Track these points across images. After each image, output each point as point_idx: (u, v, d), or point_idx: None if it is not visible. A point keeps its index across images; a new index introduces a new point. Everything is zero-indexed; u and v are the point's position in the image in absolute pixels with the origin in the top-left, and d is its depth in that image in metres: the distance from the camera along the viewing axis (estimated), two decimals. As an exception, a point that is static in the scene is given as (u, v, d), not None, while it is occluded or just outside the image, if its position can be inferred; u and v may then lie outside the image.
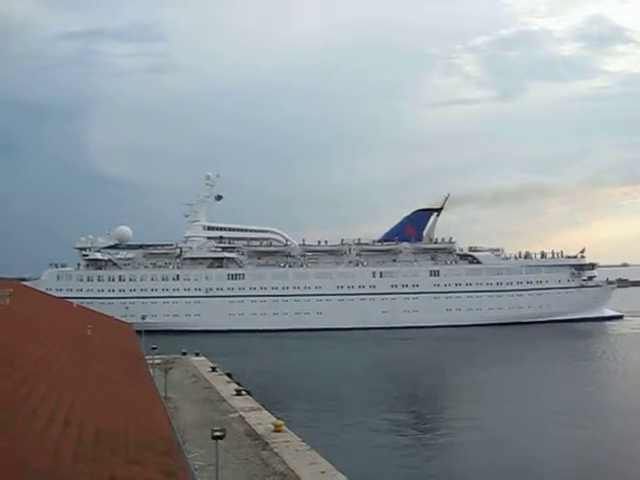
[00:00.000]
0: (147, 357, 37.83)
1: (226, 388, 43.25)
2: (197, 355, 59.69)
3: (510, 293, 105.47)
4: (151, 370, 35.50)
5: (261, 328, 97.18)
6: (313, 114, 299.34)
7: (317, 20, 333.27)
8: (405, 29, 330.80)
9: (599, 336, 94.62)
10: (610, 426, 40.87)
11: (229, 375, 49.05)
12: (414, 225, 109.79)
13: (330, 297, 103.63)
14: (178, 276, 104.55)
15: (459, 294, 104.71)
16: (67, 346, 25.41)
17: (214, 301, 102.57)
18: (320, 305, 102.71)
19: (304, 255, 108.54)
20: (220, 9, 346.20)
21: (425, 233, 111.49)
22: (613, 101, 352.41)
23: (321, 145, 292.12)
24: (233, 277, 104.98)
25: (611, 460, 33.47)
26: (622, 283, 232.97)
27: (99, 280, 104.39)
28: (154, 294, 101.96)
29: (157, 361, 41.62)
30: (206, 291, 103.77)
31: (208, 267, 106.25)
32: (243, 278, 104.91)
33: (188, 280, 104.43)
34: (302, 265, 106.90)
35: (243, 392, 41.04)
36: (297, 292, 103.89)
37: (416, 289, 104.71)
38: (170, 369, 41.45)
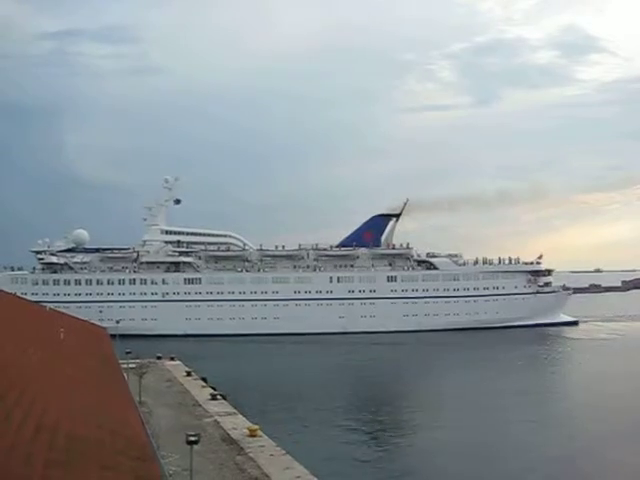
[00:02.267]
0: (121, 361, 37.28)
1: (201, 392, 43.11)
2: (172, 359, 59.09)
3: (466, 299, 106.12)
4: (125, 374, 35.20)
5: (218, 333, 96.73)
6: (292, 119, 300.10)
7: (298, 26, 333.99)
8: (383, 36, 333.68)
9: (554, 342, 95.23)
10: (548, 430, 41.40)
11: (204, 380, 48.75)
12: (372, 231, 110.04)
13: (287, 302, 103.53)
14: (134, 280, 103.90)
15: (416, 300, 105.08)
16: (39, 350, 25.04)
17: (170, 305, 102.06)
18: (277, 310, 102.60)
19: (262, 260, 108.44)
20: (201, 12, 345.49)
21: (383, 239, 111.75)
22: (587, 109, 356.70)
23: (298, 150, 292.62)
24: (190, 281, 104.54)
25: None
26: (595, 289, 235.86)
27: (54, 284, 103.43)
28: (110, 298, 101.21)
29: (132, 365, 41.41)
30: (162, 295, 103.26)
31: (165, 271, 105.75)
32: (200, 283, 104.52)
33: (144, 284, 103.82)
34: (259, 270, 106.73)
35: (218, 396, 41.00)
36: (254, 297, 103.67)
37: (373, 294, 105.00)
38: (145, 373, 41.18)
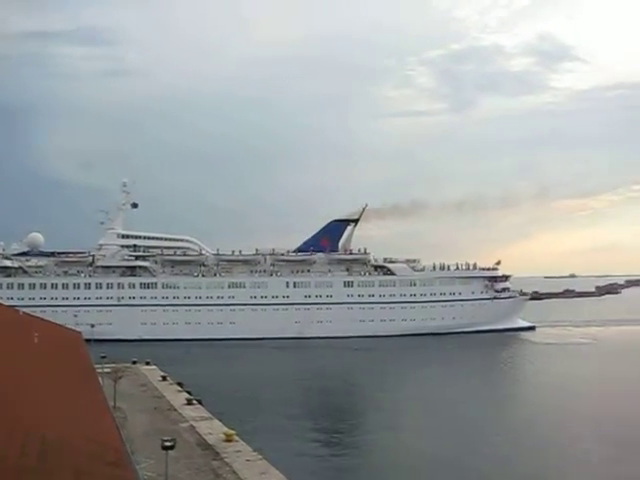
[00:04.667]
0: (96, 366, 36.61)
1: (177, 397, 42.94)
2: (147, 364, 58.77)
3: (423, 304, 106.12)
4: (100, 379, 34.52)
5: (173, 338, 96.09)
6: (262, 124, 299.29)
7: (272, 33, 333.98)
8: (361, 42, 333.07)
9: (509, 346, 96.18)
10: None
11: (180, 384, 48.43)
12: (329, 236, 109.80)
13: (243, 307, 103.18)
14: (89, 284, 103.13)
15: (372, 305, 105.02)
16: (12, 354, 24.57)
17: (126, 310, 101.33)
18: (233, 315, 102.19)
19: (218, 264, 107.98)
20: (177, 18, 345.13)
21: (341, 244, 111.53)
22: (561, 116, 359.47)
23: (268, 155, 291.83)
24: (145, 286, 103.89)
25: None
26: (569, 294, 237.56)
27: (8, 288, 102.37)
28: (65, 302, 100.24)
29: (107, 370, 41.10)
30: (118, 300, 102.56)
31: (121, 276, 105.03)
32: (156, 287, 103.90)
33: (100, 288, 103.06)
34: (216, 274, 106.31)
35: (194, 401, 40.79)
36: (210, 302, 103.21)
37: (330, 300, 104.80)
38: (120, 378, 40.98)
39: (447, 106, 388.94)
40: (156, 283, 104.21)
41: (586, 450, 37.87)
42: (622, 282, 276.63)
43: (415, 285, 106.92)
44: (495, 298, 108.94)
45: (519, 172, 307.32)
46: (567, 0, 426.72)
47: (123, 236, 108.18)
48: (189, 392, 44.78)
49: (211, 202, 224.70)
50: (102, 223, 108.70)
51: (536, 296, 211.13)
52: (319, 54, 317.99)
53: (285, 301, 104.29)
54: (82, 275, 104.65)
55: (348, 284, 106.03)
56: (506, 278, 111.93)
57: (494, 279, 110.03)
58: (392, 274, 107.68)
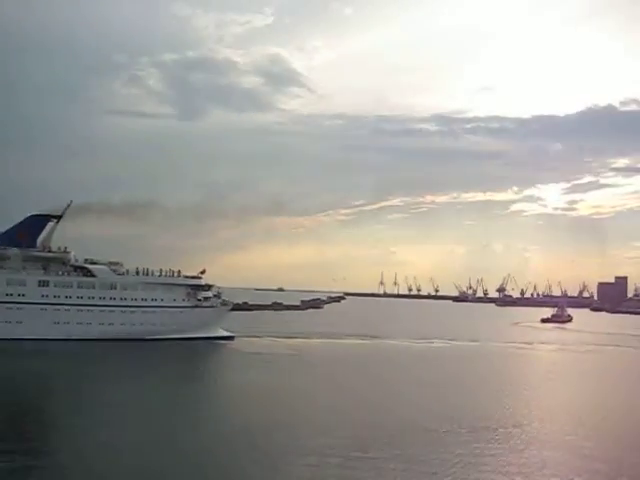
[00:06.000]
0: None
1: None
2: None
3: (123, 309, 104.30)
4: None
5: None
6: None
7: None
8: (91, 32, 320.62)
9: (215, 355, 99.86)
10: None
11: None
12: (27, 231, 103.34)
13: None
14: None
15: (69, 307, 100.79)
16: None
17: None
18: None
19: None
20: None
21: (40, 241, 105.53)
22: (282, 136, 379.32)
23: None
24: None
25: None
26: (278, 306, 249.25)
27: None
28: None
29: None
30: None
31: None
32: None
33: None
34: None
35: None
36: None
37: (22, 299, 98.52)
38: None
39: (175, 112, 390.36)
40: None
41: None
42: (324, 298, 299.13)
43: (116, 288, 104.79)
44: (197, 306, 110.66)
45: (241, 185, 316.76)
46: (300, 31, 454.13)
47: None
48: None
49: None
50: None
51: (245, 307, 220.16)
52: (55, 42, 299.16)
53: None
54: None
55: (43, 283, 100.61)
56: (209, 287, 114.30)
57: (197, 287, 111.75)
58: (92, 276, 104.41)
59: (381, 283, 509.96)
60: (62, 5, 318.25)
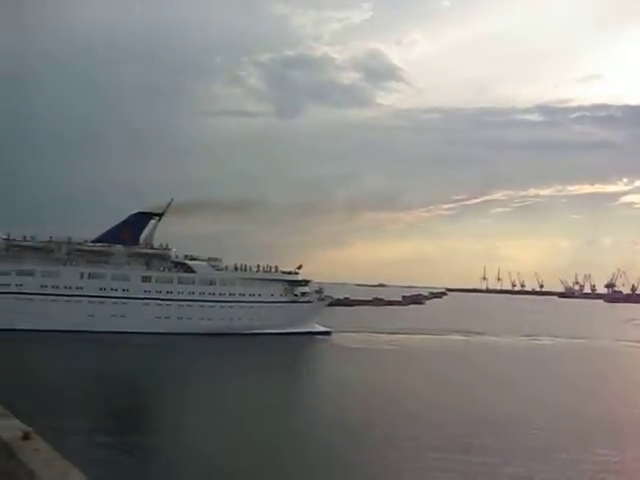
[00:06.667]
0: None
1: None
2: None
3: (222, 304, 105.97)
4: None
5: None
6: (70, 105, 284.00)
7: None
8: (191, 35, 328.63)
9: (315, 349, 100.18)
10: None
11: None
12: (131, 228, 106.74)
13: (32, 297, 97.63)
14: None
15: (170, 302, 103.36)
16: None
17: None
18: (18, 305, 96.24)
19: (8, 250, 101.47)
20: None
21: (143, 238, 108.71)
22: (382, 132, 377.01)
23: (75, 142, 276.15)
24: None
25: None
26: (379, 302, 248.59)
27: None
28: None
29: None
30: None
31: None
32: None
33: None
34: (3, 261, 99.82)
35: None
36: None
37: (126, 294, 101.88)
38: None
39: (275, 109, 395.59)
40: None
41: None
42: (426, 293, 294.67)
43: (215, 284, 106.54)
44: (294, 302, 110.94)
45: (339, 181, 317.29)
46: (398, 25, 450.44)
47: None
48: None
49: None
50: None
51: (346, 302, 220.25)
52: (148, 45, 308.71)
53: (78, 292, 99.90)
54: None
55: (146, 279, 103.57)
56: (306, 282, 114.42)
57: (294, 283, 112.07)
58: (192, 272, 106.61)
59: (484, 278, 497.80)
60: (162, 9, 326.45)
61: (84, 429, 41.64)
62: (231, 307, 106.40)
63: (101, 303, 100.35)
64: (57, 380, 58.79)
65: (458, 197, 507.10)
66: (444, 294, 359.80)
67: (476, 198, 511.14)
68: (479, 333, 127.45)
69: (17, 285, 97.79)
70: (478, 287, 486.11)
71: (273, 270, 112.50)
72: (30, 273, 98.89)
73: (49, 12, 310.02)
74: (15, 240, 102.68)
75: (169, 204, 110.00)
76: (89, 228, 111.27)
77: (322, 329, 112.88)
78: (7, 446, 28.56)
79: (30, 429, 30.36)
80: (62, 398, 50.20)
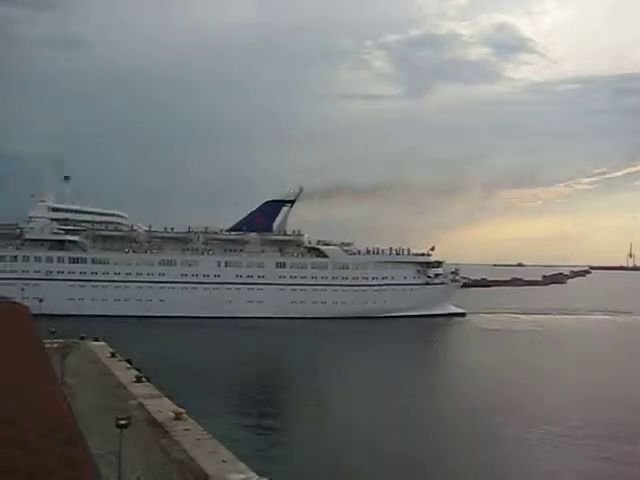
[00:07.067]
0: (45, 341, 35.22)
1: (125, 374, 41.89)
2: (96, 340, 57.08)
3: (355, 288, 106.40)
4: (49, 355, 33.31)
5: (102, 314, 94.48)
6: (213, 102, 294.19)
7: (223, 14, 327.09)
8: (315, 22, 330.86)
9: (456, 332, 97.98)
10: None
11: (129, 361, 47.23)
12: (264, 216, 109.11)
13: (174, 285, 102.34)
14: (16, 257, 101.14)
15: (304, 287, 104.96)
16: None
17: (54, 284, 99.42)
18: (163, 293, 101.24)
19: (150, 241, 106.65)
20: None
21: (276, 225, 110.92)
22: (514, 107, 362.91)
23: (216, 134, 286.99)
24: (75, 260, 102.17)
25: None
26: (517, 282, 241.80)
27: None
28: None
29: (55, 345, 39.65)
30: (46, 274, 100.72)
31: (49, 249, 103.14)
32: (85, 262, 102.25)
33: (27, 261, 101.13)
34: (147, 251, 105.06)
35: (143, 379, 39.85)
36: (140, 279, 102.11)
37: (261, 280, 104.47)
38: (68, 354, 39.66)
39: (403, 91, 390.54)
40: (86, 258, 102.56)
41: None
42: (567, 272, 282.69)
43: (347, 268, 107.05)
44: (427, 284, 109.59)
45: (471, 159, 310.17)
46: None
47: (54, 209, 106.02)
48: (138, 369, 43.78)
49: (145, 182, 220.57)
50: (32, 196, 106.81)
51: (483, 283, 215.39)
52: (274, 37, 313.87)
53: (216, 280, 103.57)
54: (9, 248, 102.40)
55: (280, 265, 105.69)
56: (439, 264, 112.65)
57: (427, 264, 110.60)
58: (325, 256, 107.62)
59: (630, 255, 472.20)
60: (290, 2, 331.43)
61: (231, 410, 43.13)
62: (364, 290, 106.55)
63: (238, 290, 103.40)
64: (208, 362, 61.44)
65: (599, 170, 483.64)
66: (587, 272, 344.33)
67: (619, 170, 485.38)
68: (626, 312, 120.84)
69: (160, 274, 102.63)
70: (624, 264, 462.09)
71: (405, 252, 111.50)
72: (172, 263, 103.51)
73: (193, 14, 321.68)
74: (156, 231, 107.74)
75: (300, 191, 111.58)
76: (225, 215, 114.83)
77: (456, 310, 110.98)
78: (161, 425, 29.67)
79: (183, 410, 31.26)
80: (211, 380, 52.54)
